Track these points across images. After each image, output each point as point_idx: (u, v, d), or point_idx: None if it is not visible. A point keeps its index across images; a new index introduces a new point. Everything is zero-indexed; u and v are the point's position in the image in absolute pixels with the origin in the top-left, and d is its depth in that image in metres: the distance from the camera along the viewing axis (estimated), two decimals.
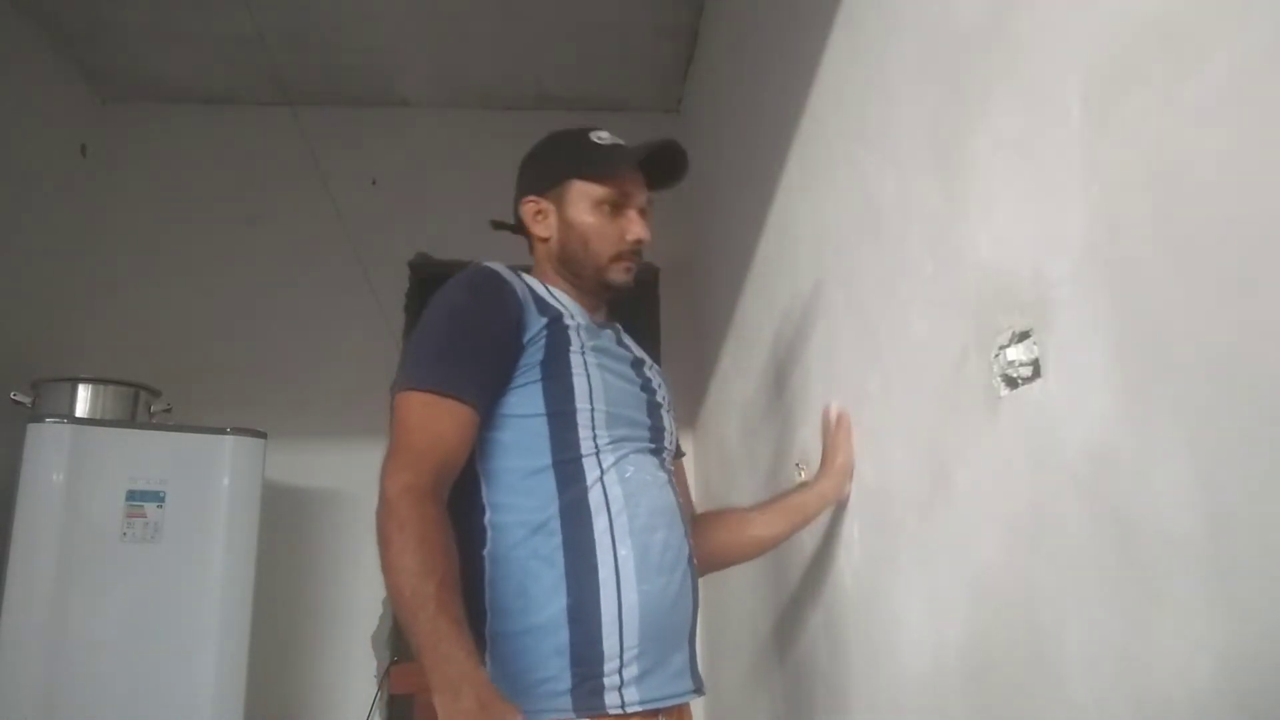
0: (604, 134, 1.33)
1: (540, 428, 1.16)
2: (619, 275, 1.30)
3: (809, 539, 1.72)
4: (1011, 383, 0.97)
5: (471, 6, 3.09)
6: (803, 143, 1.87)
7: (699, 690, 1.20)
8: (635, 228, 1.29)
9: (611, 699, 1.08)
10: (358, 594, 3.18)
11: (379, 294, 3.36)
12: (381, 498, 1.05)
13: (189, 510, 2.56)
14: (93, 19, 3.12)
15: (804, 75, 1.79)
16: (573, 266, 1.31)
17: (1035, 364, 0.92)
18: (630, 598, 1.11)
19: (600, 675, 1.08)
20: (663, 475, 1.26)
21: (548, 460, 1.15)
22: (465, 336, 1.15)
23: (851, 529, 1.51)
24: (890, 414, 1.35)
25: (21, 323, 3.00)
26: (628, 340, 1.38)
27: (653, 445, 1.26)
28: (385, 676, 3.06)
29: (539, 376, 1.17)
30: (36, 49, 3.17)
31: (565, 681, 1.07)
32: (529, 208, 1.34)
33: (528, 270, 1.34)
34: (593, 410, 1.18)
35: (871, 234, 1.43)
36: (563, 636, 1.08)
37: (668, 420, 1.34)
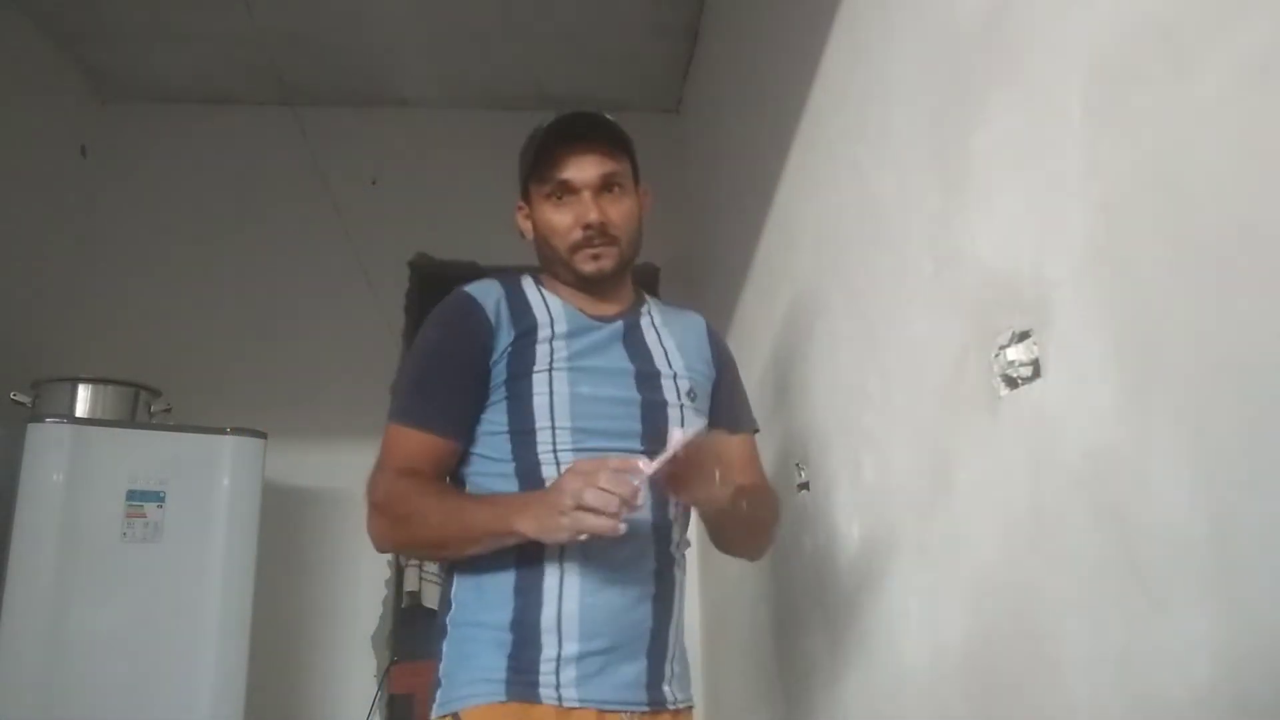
0: (551, 118, 1.28)
1: (504, 444, 1.21)
2: (584, 265, 1.27)
3: (808, 539, 1.72)
4: (1011, 383, 0.97)
5: (471, 6, 3.09)
6: (803, 143, 1.87)
7: (662, 705, 1.19)
8: (582, 212, 1.25)
9: (547, 694, 1.12)
10: (358, 594, 3.18)
11: (379, 294, 3.36)
12: (368, 512, 1.19)
13: (189, 510, 2.55)
14: (93, 19, 3.12)
15: (804, 75, 1.79)
16: (549, 266, 1.32)
17: (1035, 364, 0.92)
18: (570, 607, 1.15)
19: (536, 672, 1.13)
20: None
21: (510, 470, 1.20)
22: (432, 370, 1.25)
23: (851, 529, 1.51)
24: (890, 414, 1.35)
25: (21, 323, 3.00)
26: (648, 334, 1.33)
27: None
28: (385, 676, 3.06)
29: (504, 395, 1.22)
30: (36, 49, 3.17)
31: (502, 673, 1.14)
32: (519, 215, 1.35)
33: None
34: (554, 428, 1.20)
35: (872, 234, 1.44)
36: (505, 637, 1.15)
37: (684, 416, 1.28)
